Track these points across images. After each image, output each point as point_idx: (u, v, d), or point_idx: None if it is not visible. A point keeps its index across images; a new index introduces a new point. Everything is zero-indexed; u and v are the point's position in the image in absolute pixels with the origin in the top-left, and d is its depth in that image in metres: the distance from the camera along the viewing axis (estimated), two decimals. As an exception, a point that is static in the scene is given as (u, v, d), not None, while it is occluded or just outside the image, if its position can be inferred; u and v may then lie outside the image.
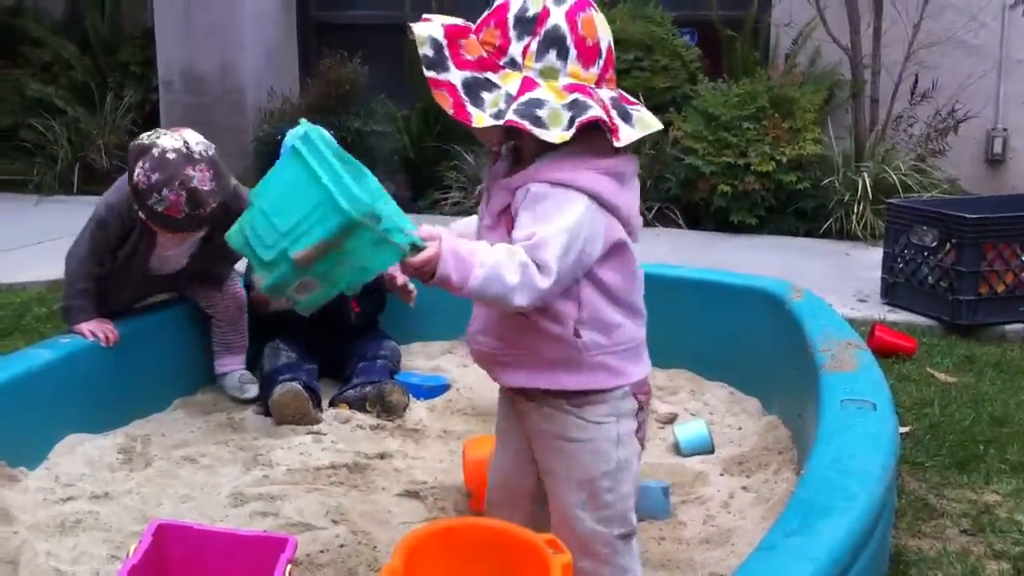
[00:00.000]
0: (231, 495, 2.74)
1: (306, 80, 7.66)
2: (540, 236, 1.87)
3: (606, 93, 1.95)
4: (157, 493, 2.77)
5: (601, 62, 1.96)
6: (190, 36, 7.57)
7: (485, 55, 1.93)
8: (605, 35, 1.97)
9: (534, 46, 1.91)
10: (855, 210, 6.00)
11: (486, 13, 1.97)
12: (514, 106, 1.87)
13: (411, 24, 1.95)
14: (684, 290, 3.64)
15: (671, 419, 3.28)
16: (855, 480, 2.06)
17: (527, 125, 1.86)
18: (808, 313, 3.15)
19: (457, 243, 1.87)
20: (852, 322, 3.51)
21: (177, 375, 3.43)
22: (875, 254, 5.04)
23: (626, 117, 1.95)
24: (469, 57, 1.92)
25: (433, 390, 3.49)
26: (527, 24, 1.92)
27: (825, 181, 6.19)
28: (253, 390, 3.42)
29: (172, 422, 3.27)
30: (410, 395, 3.39)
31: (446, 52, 1.92)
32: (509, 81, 1.91)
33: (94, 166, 7.48)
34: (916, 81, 6.44)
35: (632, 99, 2.01)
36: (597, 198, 1.92)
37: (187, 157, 2.99)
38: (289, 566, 2.05)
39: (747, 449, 3.02)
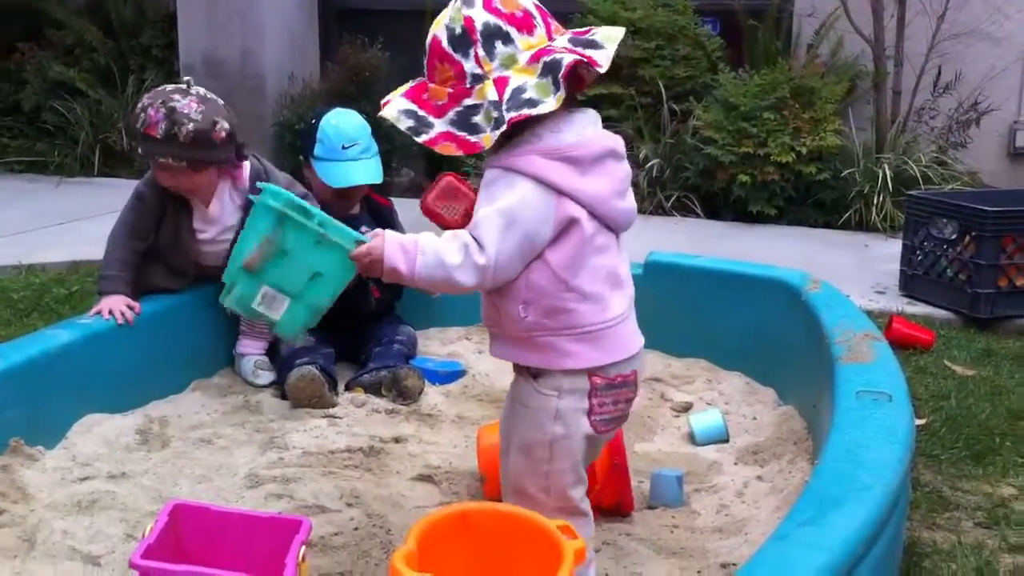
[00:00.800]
0: (247, 476, 2.76)
1: (326, 66, 7.67)
2: (479, 216, 2.00)
3: (561, 40, 2.02)
4: (174, 473, 2.79)
5: (539, 20, 2.03)
6: (212, 21, 7.58)
7: (451, 90, 2.01)
8: (525, 1, 2.03)
9: (481, 51, 1.99)
10: (875, 202, 5.97)
11: (425, 58, 2.06)
12: (505, 105, 1.95)
13: (380, 114, 2.07)
14: (701, 280, 3.64)
15: (686, 408, 3.28)
16: (869, 471, 2.06)
17: (527, 111, 1.94)
18: (825, 304, 3.14)
19: (401, 236, 2.04)
20: (870, 314, 3.50)
21: (195, 357, 3.45)
22: (894, 246, 5.03)
23: (592, 45, 2.01)
24: (441, 102, 2.02)
25: (449, 375, 3.50)
26: (462, 40, 2.00)
27: (845, 172, 6.16)
28: (266, 377, 3.44)
29: (189, 403, 3.28)
30: (425, 380, 3.40)
31: (420, 113, 2.03)
32: (487, 92, 1.98)
33: (115, 148, 7.51)
34: (939, 73, 6.40)
35: (585, 29, 2.07)
36: (544, 182, 1.99)
37: (180, 90, 3.16)
38: (303, 548, 2.06)
39: (762, 439, 3.02)
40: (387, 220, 3.67)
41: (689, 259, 3.82)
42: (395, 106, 2.05)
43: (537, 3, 2.06)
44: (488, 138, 1.96)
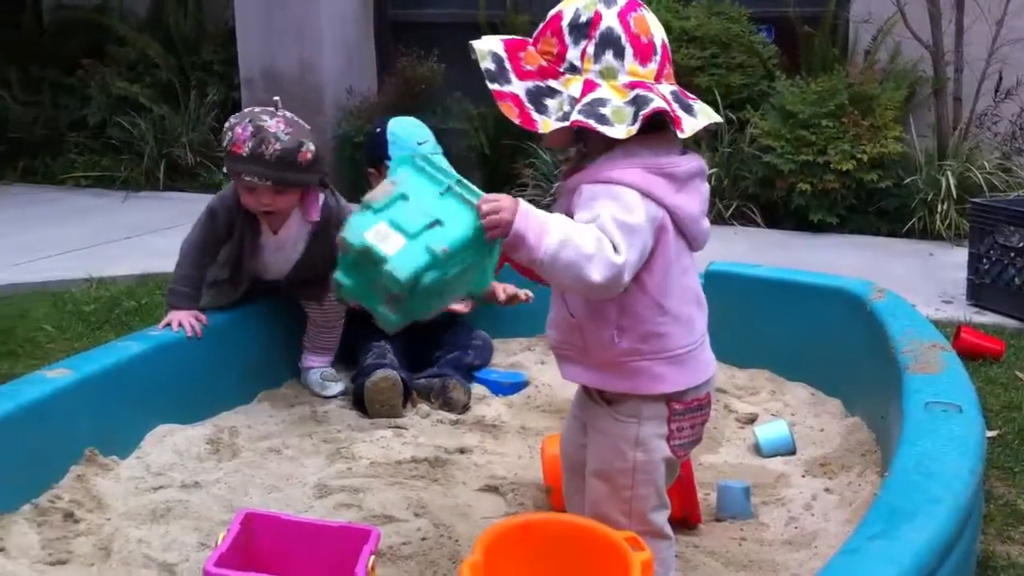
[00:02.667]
0: (316, 486, 2.80)
1: (383, 78, 7.74)
2: (603, 219, 1.91)
3: (666, 88, 2.01)
4: (244, 483, 2.83)
5: (657, 58, 2.01)
6: (270, 35, 7.69)
7: (545, 64, 1.99)
8: (658, 32, 2.02)
9: (591, 49, 1.97)
10: (939, 209, 5.89)
11: (541, 24, 2.03)
12: (578, 107, 1.93)
13: (471, 42, 2.01)
14: (764, 290, 3.62)
15: (751, 419, 3.26)
16: (940, 483, 2.04)
17: (592, 123, 1.92)
18: (890, 313, 3.11)
19: (532, 207, 1.91)
20: (937, 324, 3.46)
21: (262, 368, 3.50)
22: (960, 254, 4.96)
23: (688, 109, 2.00)
24: (529, 68, 1.99)
25: (512, 386, 3.51)
26: (582, 29, 1.98)
27: (907, 180, 6.09)
28: (334, 388, 3.48)
29: (257, 414, 3.33)
30: (488, 390, 3.42)
31: (507, 65, 1.98)
32: (571, 85, 1.97)
33: (179, 163, 7.64)
34: (1000, 78, 6.31)
35: (690, 95, 2.05)
36: (649, 195, 1.96)
37: (268, 111, 3.20)
38: (372, 557, 2.09)
39: (830, 451, 3.00)
40: None
41: (750, 268, 3.80)
42: (488, 45, 1.99)
43: (666, 44, 2.04)
44: (548, 124, 1.94)
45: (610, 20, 1.98)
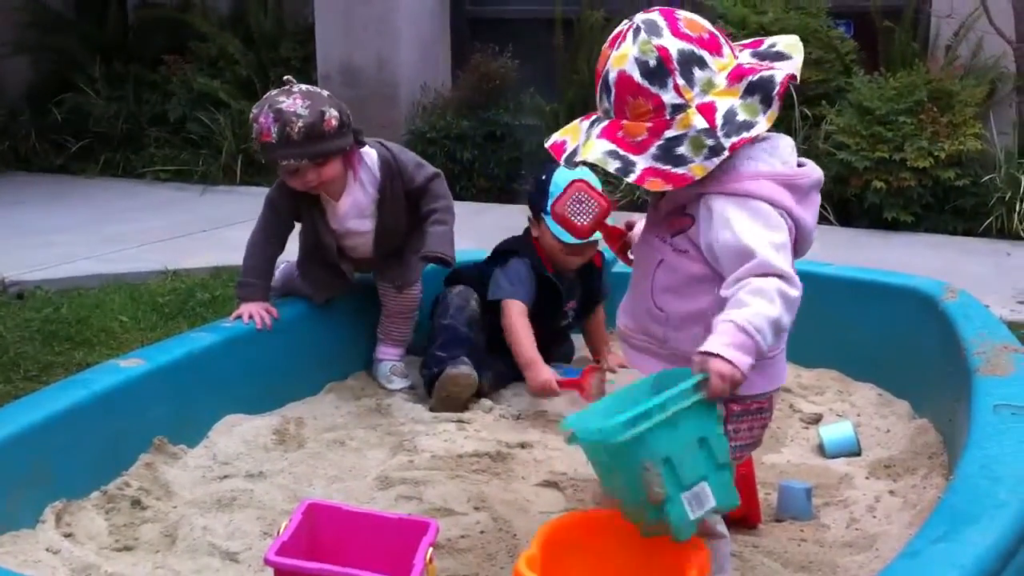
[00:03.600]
0: (378, 478, 2.83)
1: (457, 74, 7.78)
2: (759, 250, 1.89)
3: (745, 57, 1.98)
4: (308, 474, 2.87)
5: (724, 41, 1.99)
6: (349, 31, 7.77)
7: (650, 125, 1.95)
8: (704, 22, 2.00)
9: (680, 80, 1.93)
10: (1017, 208, 5.76)
11: (612, 97, 1.98)
12: (720, 132, 1.89)
13: (577, 160, 1.99)
14: (833, 288, 3.56)
15: (816, 419, 3.22)
16: (1006, 488, 2.00)
17: (746, 135, 1.89)
18: (962, 314, 3.05)
19: (724, 336, 1.84)
20: (1011, 325, 3.38)
21: (329, 360, 3.55)
22: (1038, 255, 4.85)
23: (780, 56, 1.97)
24: (640, 138, 1.94)
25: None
26: (658, 71, 1.94)
27: (986, 178, 5.96)
28: (398, 383, 3.52)
29: (324, 405, 3.38)
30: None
31: (622, 152, 1.94)
32: (691, 121, 1.92)
33: (256, 158, 7.76)
34: (1085, 76, 6.15)
35: (756, 40, 2.04)
36: (779, 207, 1.95)
37: (284, 91, 3.21)
38: (431, 549, 2.10)
39: (895, 452, 2.95)
40: (594, 282, 3.60)
41: (819, 267, 3.74)
42: (598, 148, 1.96)
43: (717, 26, 2.04)
44: (700, 168, 1.90)
45: (673, 44, 1.94)
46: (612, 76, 1.98)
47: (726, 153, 1.89)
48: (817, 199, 2.05)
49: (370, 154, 3.37)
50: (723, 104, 1.91)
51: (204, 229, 6.32)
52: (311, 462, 2.94)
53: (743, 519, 2.56)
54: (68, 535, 2.43)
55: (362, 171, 3.35)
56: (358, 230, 3.42)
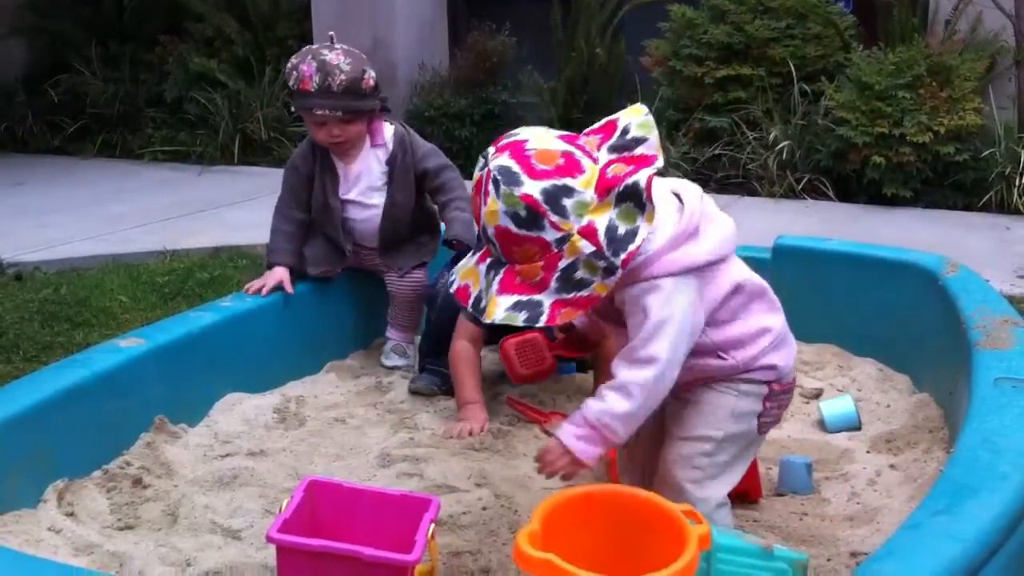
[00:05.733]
0: (379, 456, 2.83)
1: (455, 53, 7.75)
2: (644, 332, 2.03)
3: (603, 156, 1.99)
4: (309, 452, 2.88)
5: (578, 154, 1.98)
6: (344, 11, 7.74)
7: (542, 263, 1.97)
8: (552, 143, 1.99)
9: (554, 218, 1.94)
10: (1017, 183, 5.75)
11: (500, 249, 2.01)
12: (608, 252, 1.92)
13: (485, 320, 2.01)
14: (832, 263, 3.56)
15: (817, 394, 3.22)
16: (1007, 460, 2.01)
17: (632, 247, 1.92)
18: (963, 288, 3.04)
19: (569, 430, 2.08)
20: (1011, 299, 3.38)
21: (330, 340, 3.54)
22: (1038, 229, 4.85)
23: (637, 143, 1.99)
24: (537, 278, 1.98)
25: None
26: (531, 218, 1.94)
27: (985, 153, 5.95)
28: (395, 360, 3.51)
29: (324, 384, 3.38)
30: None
31: (525, 298, 1.98)
32: (578, 247, 1.94)
33: (253, 137, 7.75)
34: (1084, 49, 6.13)
35: (603, 125, 2.05)
36: (683, 272, 2.03)
37: (326, 45, 3.28)
38: (433, 525, 2.11)
39: (896, 427, 2.95)
40: None
41: (819, 242, 3.75)
42: (501, 307, 1.98)
43: (560, 135, 2.03)
44: (602, 287, 1.95)
45: (534, 187, 1.94)
46: (491, 231, 2.00)
47: (620, 271, 1.94)
48: (709, 212, 2.11)
49: (388, 127, 3.43)
50: (601, 222, 1.93)
51: (202, 209, 6.32)
52: (312, 440, 2.95)
53: (744, 494, 2.56)
54: (70, 514, 2.44)
55: (381, 141, 3.40)
56: (365, 202, 3.42)
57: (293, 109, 3.45)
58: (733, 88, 6.60)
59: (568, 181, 1.95)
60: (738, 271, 2.16)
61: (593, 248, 1.93)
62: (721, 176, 6.57)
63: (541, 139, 2.00)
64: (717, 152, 6.57)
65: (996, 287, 3.29)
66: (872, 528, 2.41)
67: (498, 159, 1.98)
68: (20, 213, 6.22)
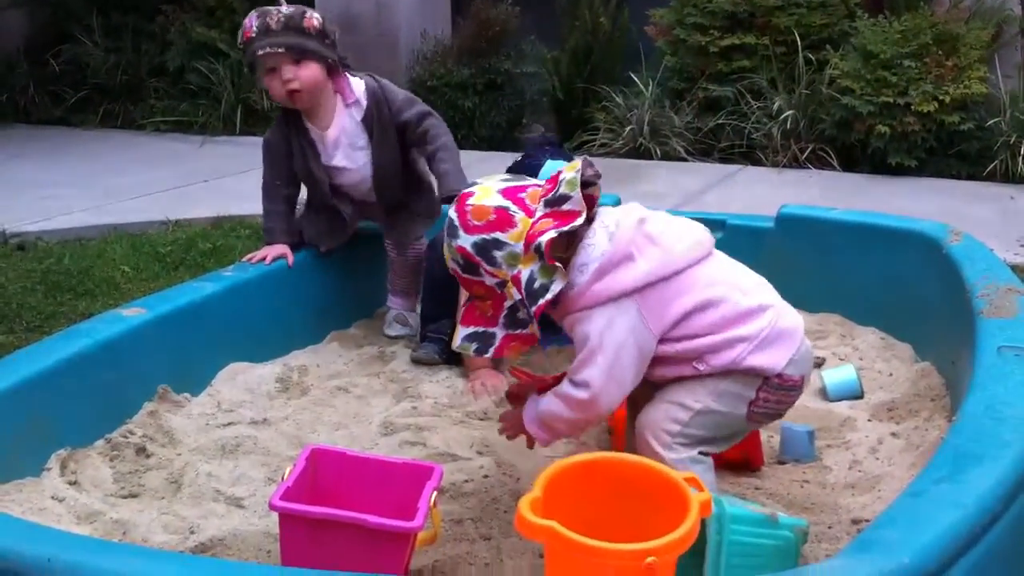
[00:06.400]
0: (381, 424, 2.84)
1: (457, 21, 7.71)
2: (579, 360, 2.17)
3: (539, 210, 2.13)
4: (312, 420, 2.88)
5: (513, 208, 2.15)
6: (347, -22, 7.70)
7: (491, 301, 2.20)
8: (491, 199, 2.17)
9: (488, 267, 2.15)
10: (1021, 152, 5.73)
11: (462, 286, 2.27)
12: (527, 301, 2.12)
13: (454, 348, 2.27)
14: (836, 233, 3.55)
15: (819, 364, 3.22)
16: (1010, 428, 2.00)
17: (542, 301, 2.10)
18: (966, 257, 3.03)
19: (527, 414, 2.30)
20: (1015, 268, 3.37)
21: (332, 309, 3.54)
22: (1043, 198, 4.83)
23: (562, 200, 2.12)
24: (490, 313, 2.21)
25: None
26: (469, 266, 2.18)
27: (990, 122, 5.92)
28: (397, 329, 3.51)
29: (327, 353, 3.38)
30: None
31: (480, 330, 2.22)
32: (512, 292, 2.14)
33: (255, 107, 7.72)
34: (1092, 16, 6.09)
35: (547, 184, 2.18)
36: (619, 297, 2.12)
37: (274, 5, 3.24)
38: (435, 493, 2.11)
39: (898, 395, 2.95)
40: None
41: (823, 211, 3.74)
42: (459, 335, 2.24)
43: (504, 188, 2.19)
44: (534, 328, 2.18)
45: (467, 241, 2.16)
46: (451, 270, 2.25)
47: (535, 323, 2.16)
48: (647, 227, 2.18)
49: (357, 83, 3.36)
50: (525, 273, 2.12)
51: (205, 179, 6.30)
52: (315, 409, 2.95)
53: (746, 462, 2.57)
54: (73, 483, 2.45)
55: (349, 97, 3.33)
56: (350, 167, 3.37)
57: (247, 69, 3.41)
58: (737, 57, 6.56)
59: (498, 235, 2.14)
60: (706, 285, 2.17)
61: (519, 296, 2.13)
62: (725, 146, 6.55)
63: (481, 195, 2.19)
64: (721, 122, 6.54)
65: (1000, 256, 3.28)
66: (874, 496, 2.42)
67: (451, 211, 2.22)
68: (22, 184, 6.22)
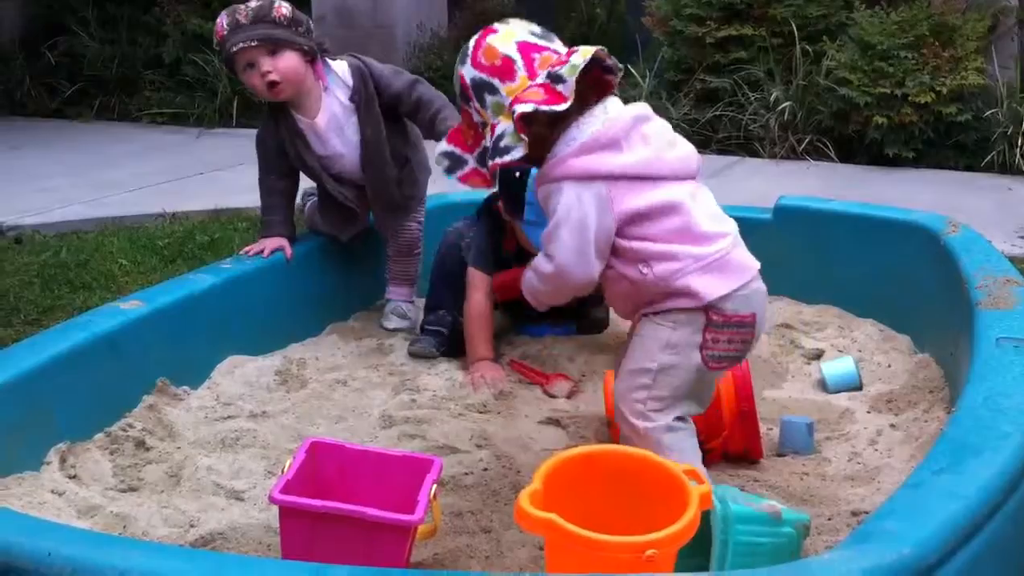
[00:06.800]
0: (381, 417, 2.84)
1: (454, 14, 7.70)
2: (545, 232, 2.23)
3: (540, 78, 2.16)
4: (311, 413, 2.88)
5: (520, 64, 2.19)
6: (343, -29, 7.68)
7: (473, 133, 2.28)
8: (508, 43, 2.21)
9: (476, 104, 2.22)
10: (1019, 143, 5.73)
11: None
12: (491, 151, 2.17)
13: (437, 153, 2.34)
14: (833, 224, 3.55)
15: (818, 355, 3.22)
16: (1009, 419, 2.00)
17: (499, 160, 2.15)
18: (964, 248, 3.04)
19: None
20: (1013, 259, 3.38)
21: (331, 301, 3.54)
22: (1040, 189, 4.83)
23: (559, 79, 2.14)
24: (470, 142, 2.29)
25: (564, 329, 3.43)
26: (463, 95, 2.25)
27: (987, 113, 5.92)
28: (395, 322, 3.51)
29: (326, 346, 3.38)
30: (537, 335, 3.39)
31: (457, 152, 2.31)
32: (486, 137, 2.22)
33: (251, 100, 7.68)
34: (1090, 7, 6.09)
35: (565, 55, 2.21)
36: (588, 177, 2.16)
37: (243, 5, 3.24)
38: (435, 486, 2.11)
39: (896, 387, 2.96)
40: None
41: (820, 203, 3.74)
42: (438, 149, 2.33)
43: (524, 42, 2.22)
44: (488, 176, 2.26)
45: (469, 72, 2.22)
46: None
47: (487, 172, 2.24)
48: (645, 130, 2.22)
49: (340, 65, 3.35)
50: (500, 128, 2.16)
51: (201, 172, 6.30)
52: (314, 402, 2.95)
53: (745, 454, 2.57)
54: (72, 477, 2.44)
55: (331, 81, 3.31)
56: (346, 151, 3.36)
57: (226, 68, 3.39)
58: (734, 48, 6.56)
59: (495, 82, 2.19)
60: (676, 197, 2.20)
61: (490, 144, 2.19)
62: (722, 137, 6.54)
63: (502, 38, 2.23)
64: (718, 113, 6.54)
65: (998, 247, 3.28)
66: (873, 487, 2.42)
67: (473, 38, 2.26)
68: (19, 177, 6.20)
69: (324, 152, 3.36)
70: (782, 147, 6.29)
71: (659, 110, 6.71)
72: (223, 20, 3.19)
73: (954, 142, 6.00)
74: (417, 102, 3.30)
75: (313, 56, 3.27)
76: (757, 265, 2.27)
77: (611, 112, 2.21)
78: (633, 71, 6.84)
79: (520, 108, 2.12)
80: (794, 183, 5.58)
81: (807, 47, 6.39)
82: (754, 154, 6.41)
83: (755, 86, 6.49)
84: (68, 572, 1.63)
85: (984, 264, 2.89)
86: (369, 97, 3.30)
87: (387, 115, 3.35)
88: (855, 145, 6.20)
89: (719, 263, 2.19)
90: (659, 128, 2.27)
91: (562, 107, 2.12)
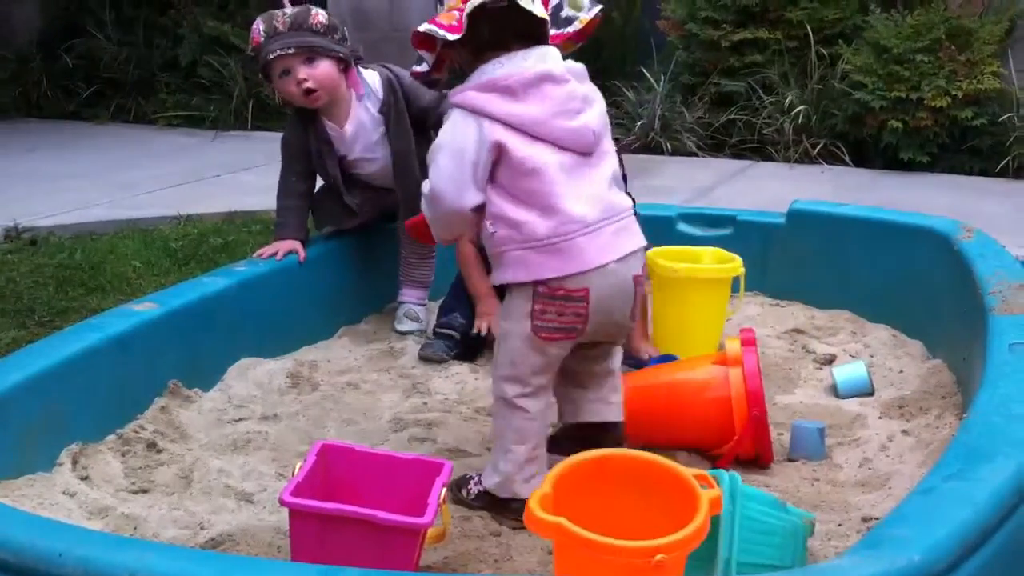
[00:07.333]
0: (391, 420, 2.84)
1: (469, 15, 7.69)
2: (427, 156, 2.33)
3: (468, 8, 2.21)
4: (322, 416, 2.89)
5: None
6: (360, -27, 7.69)
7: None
8: None
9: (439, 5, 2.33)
10: (1035, 148, 5.71)
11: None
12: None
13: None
14: (847, 228, 3.55)
15: (830, 360, 3.22)
16: (1021, 426, 1.99)
17: (425, 28, 2.27)
18: (978, 254, 3.03)
19: None
20: (1027, 265, 3.35)
21: (343, 304, 3.55)
22: (1056, 194, 4.81)
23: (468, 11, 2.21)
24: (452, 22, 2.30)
25: None
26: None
27: (1003, 117, 5.90)
28: (408, 325, 3.51)
29: (337, 349, 3.38)
30: None
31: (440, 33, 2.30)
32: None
33: (267, 102, 7.71)
34: (1107, 11, 6.05)
35: None
36: (473, 111, 2.23)
37: (278, 9, 3.25)
38: (444, 489, 2.11)
39: (908, 393, 2.95)
40: None
41: (833, 207, 3.73)
42: (423, 25, 2.33)
43: None
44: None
45: None
46: None
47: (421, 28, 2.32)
48: (549, 90, 2.23)
49: (372, 75, 3.37)
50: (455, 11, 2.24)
51: (217, 174, 6.31)
52: (325, 405, 2.95)
53: (756, 458, 2.57)
54: (84, 478, 2.45)
55: (364, 91, 3.34)
56: (372, 157, 3.39)
57: (261, 75, 3.38)
58: (749, 52, 6.54)
59: None
60: (551, 166, 2.21)
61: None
62: (736, 141, 6.53)
63: None
64: (732, 117, 6.53)
65: (1012, 253, 3.26)
66: (884, 493, 2.41)
67: None
68: (35, 178, 6.23)
69: (351, 157, 3.39)
70: (796, 151, 6.27)
71: (674, 113, 6.72)
72: (259, 26, 3.19)
73: (969, 147, 5.98)
74: (442, 118, 3.31)
75: (347, 64, 3.29)
76: (613, 258, 2.23)
77: (527, 62, 2.23)
78: (648, 75, 6.83)
79: (423, 27, 2.25)
80: (808, 187, 5.56)
81: (822, 50, 6.37)
82: (768, 158, 6.39)
83: (770, 89, 6.48)
84: (79, 573, 1.63)
85: (998, 269, 2.89)
86: (400, 111, 3.34)
87: (415, 126, 3.38)
88: (869, 149, 6.18)
89: (560, 246, 2.20)
90: (565, 94, 2.25)
91: (451, 36, 2.21)
